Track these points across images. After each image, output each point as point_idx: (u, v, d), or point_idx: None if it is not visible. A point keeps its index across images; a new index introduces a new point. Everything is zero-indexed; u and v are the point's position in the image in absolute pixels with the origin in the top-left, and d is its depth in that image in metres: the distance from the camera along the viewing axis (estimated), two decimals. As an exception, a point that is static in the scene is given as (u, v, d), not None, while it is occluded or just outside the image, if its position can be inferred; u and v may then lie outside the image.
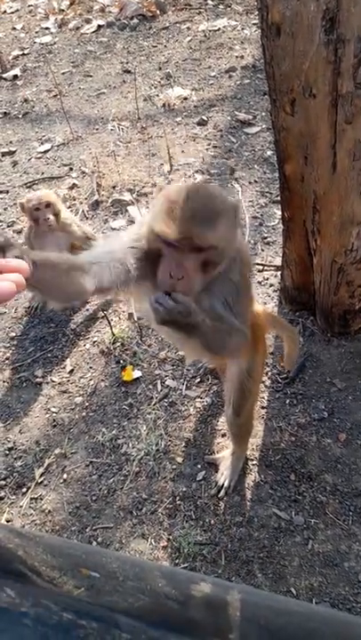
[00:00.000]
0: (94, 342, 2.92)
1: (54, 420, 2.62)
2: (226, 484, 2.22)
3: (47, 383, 2.79)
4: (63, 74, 5.25)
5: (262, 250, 3.20)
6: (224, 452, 2.32)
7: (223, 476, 2.24)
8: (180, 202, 1.31)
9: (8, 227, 3.69)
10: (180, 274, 1.33)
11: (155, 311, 1.29)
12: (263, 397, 2.52)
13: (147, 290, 1.44)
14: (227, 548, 2.11)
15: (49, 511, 2.31)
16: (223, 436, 2.43)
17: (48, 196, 2.84)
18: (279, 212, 2.63)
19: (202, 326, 1.36)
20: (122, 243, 1.47)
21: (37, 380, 2.80)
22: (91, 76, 5.15)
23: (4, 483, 2.42)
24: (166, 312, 1.27)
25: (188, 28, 5.41)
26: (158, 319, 1.31)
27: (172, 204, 1.32)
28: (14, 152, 4.43)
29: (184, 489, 2.29)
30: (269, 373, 2.61)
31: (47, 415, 2.65)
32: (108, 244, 1.52)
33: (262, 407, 2.49)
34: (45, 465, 2.46)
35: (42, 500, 2.36)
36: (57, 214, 2.83)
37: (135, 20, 5.65)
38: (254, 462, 2.33)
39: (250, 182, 3.67)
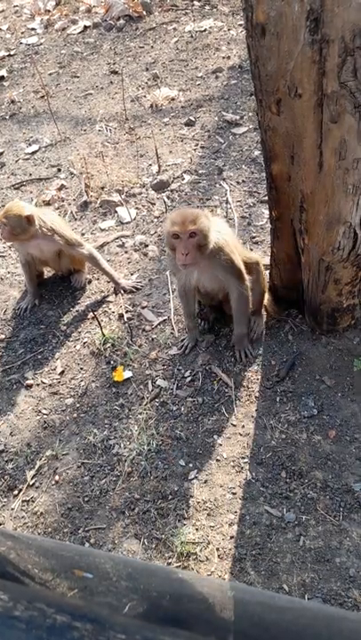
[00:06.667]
0: (85, 343, 2.92)
1: (45, 422, 2.62)
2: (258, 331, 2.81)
3: (37, 385, 2.78)
4: (50, 75, 5.24)
5: (251, 249, 3.22)
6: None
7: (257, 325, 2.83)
8: (176, 214, 2.31)
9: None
10: (186, 251, 2.26)
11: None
12: (253, 396, 2.54)
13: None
14: (219, 547, 2.12)
15: (41, 513, 2.31)
16: (214, 433, 2.44)
17: (10, 208, 2.81)
18: (267, 212, 2.65)
19: None
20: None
21: (28, 381, 2.79)
22: (78, 77, 5.14)
23: (-5, 486, 2.42)
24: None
25: (175, 29, 5.42)
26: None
27: (173, 216, 2.31)
28: (1, 153, 4.41)
29: (176, 488, 2.30)
30: (259, 373, 2.63)
31: (38, 417, 2.65)
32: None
33: (253, 405, 2.51)
34: (37, 467, 2.46)
35: (34, 502, 2.35)
36: (30, 222, 2.79)
37: (121, 21, 5.65)
38: (245, 460, 2.34)
39: (238, 182, 3.69)
